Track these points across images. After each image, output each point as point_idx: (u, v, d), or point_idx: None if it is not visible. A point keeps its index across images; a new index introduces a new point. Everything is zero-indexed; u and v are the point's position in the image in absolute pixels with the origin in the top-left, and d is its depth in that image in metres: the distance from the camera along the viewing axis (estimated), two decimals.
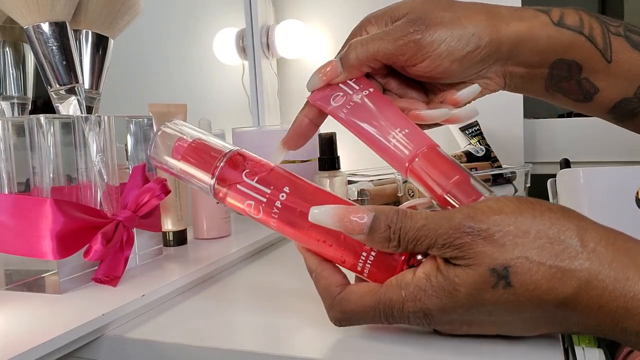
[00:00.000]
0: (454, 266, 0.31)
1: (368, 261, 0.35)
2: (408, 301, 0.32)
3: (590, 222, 0.31)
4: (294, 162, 0.80)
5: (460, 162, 0.78)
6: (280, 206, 0.36)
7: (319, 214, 0.33)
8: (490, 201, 0.31)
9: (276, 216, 0.36)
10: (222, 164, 0.37)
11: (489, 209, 0.31)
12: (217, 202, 0.63)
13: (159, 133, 0.39)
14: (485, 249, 0.30)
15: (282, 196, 0.36)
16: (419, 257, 0.33)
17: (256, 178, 0.37)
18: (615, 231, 0.31)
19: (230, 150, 0.38)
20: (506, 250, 0.29)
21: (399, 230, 0.31)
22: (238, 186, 0.37)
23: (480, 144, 0.91)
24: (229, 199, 0.38)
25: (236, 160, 0.38)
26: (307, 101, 0.41)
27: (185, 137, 0.39)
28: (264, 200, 0.36)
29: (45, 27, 0.48)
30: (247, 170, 0.37)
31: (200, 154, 0.38)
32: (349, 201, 0.36)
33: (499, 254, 0.29)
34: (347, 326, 0.35)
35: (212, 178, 0.38)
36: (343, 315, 0.34)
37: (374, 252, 0.34)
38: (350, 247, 0.35)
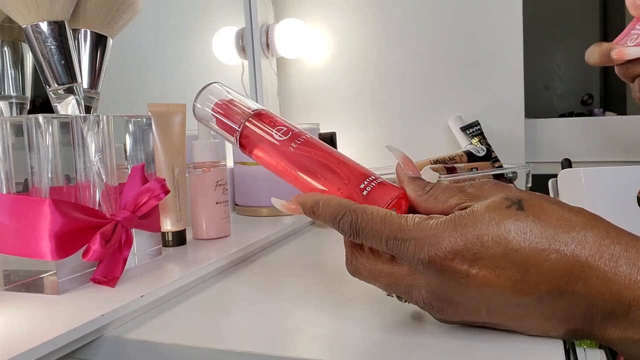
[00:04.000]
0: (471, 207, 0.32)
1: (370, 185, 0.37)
2: (426, 240, 0.31)
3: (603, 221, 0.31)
4: None
5: (461, 162, 0.78)
6: (295, 146, 0.39)
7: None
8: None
9: (293, 149, 0.39)
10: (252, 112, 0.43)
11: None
12: (217, 203, 0.63)
13: (206, 87, 0.48)
14: (499, 187, 0.33)
15: (299, 140, 0.40)
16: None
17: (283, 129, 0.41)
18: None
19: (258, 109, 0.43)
20: (520, 192, 0.32)
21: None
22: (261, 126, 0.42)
23: (481, 144, 0.91)
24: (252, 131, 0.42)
25: (262, 115, 0.43)
26: None
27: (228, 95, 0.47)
28: (284, 138, 0.40)
29: (44, 26, 0.47)
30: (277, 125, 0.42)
31: (233, 108, 0.44)
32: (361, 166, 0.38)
33: (512, 192, 0.32)
34: (355, 241, 0.34)
35: (239, 127, 0.42)
36: (356, 222, 0.33)
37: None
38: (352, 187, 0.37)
